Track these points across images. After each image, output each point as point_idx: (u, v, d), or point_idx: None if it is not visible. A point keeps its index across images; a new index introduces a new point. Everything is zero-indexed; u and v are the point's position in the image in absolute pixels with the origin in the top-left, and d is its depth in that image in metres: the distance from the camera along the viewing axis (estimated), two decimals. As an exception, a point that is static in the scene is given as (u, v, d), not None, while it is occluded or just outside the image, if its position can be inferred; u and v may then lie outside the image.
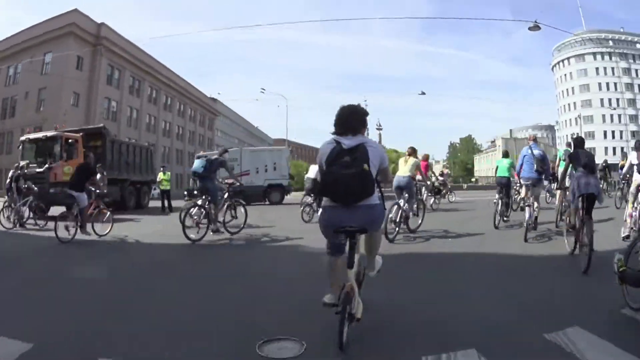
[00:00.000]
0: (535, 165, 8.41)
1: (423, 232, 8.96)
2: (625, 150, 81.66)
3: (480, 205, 14.88)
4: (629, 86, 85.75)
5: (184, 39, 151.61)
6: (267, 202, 21.91)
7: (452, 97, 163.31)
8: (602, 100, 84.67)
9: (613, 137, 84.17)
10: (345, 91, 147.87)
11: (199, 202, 8.77)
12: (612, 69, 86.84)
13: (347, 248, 3.25)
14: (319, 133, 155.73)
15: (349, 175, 3.11)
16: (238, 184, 9.96)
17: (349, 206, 3.19)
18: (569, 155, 6.67)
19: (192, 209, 8.57)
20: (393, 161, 18.60)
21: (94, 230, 9.20)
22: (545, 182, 10.86)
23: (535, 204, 8.39)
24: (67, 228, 8.60)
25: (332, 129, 3.49)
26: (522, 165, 8.71)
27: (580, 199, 5.86)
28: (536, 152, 8.54)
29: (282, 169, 22.87)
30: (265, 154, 24.14)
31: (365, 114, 3.52)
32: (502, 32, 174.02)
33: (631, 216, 7.10)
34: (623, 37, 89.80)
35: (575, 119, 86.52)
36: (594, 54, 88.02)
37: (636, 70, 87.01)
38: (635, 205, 7.11)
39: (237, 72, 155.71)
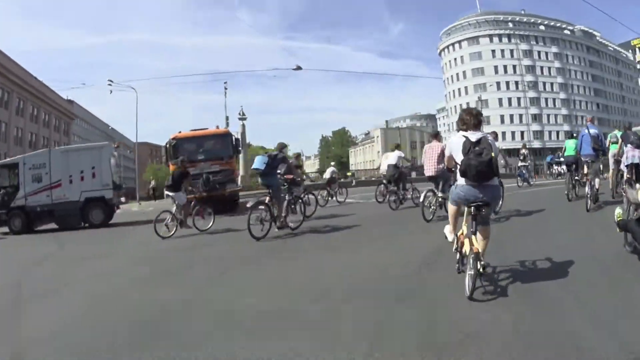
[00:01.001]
0: (592, 144, 9.87)
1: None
2: (525, 133, 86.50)
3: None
4: (530, 68, 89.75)
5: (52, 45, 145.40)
6: (86, 225, 16.16)
7: (324, 91, 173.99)
8: (498, 83, 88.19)
9: (512, 121, 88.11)
10: (214, 91, 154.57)
11: (266, 199, 9.11)
12: (512, 51, 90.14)
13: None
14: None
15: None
16: (298, 179, 10.78)
17: (480, 184, 4.43)
18: (621, 135, 9.94)
19: (257, 207, 8.90)
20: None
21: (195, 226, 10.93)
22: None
23: (596, 179, 9.92)
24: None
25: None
26: (581, 144, 10.22)
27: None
28: (592, 131, 10.00)
29: (105, 175, 16.45)
30: (81, 155, 16.98)
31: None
32: (376, 24, 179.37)
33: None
34: (525, 19, 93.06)
35: (467, 104, 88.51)
36: (491, 36, 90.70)
37: (539, 52, 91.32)
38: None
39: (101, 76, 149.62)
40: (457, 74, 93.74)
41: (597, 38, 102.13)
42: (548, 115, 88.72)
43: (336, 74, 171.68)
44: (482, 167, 4.32)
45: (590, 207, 9.52)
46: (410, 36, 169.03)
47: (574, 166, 11.46)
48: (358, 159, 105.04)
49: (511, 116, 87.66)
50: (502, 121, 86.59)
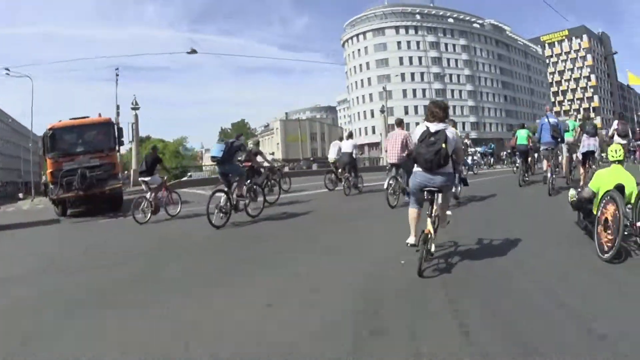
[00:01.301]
0: (551, 132, 10.64)
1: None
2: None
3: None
4: (437, 60, 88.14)
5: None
6: None
7: (224, 83, 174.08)
8: (403, 75, 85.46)
9: (416, 112, 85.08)
10: (117, 82, 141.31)
11: (223, 187, 9.04)
12: (418, 43, 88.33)
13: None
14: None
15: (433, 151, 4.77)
16: (256, 166, 11.06)
17: (431, 172, 4.84)
18: (579, 125, 11.76)
19: (216, 195, 8.73)
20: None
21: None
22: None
23: (548, 165, 10.83)
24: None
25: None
26: (541, 132, 10.97)
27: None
28: (552, 120, 10.82)
29: None
30: None
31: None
32: (280, 17, 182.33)
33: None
34: (433, 12, 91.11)
35: (370, 95, 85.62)
36: (397, 27, 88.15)
37: (446, 45, 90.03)
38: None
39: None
40: (361, 65, 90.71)
41: (507, 32, 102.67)
42: (454, 107, 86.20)
43: (237, 66, 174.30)
44: (429, 155, 4.68)
45: (552, 191, 10.29)
46: (314, 29, 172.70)
47: (523, 155, 13.54)
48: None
49: (415, 107, 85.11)
50: (407, 112, 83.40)
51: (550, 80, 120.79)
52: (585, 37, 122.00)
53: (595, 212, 5.37)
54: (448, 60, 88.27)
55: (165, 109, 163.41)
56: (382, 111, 45.22)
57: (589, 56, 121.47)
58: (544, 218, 7.80)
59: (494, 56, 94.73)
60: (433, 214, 4.85)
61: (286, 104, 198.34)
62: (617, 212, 4.79)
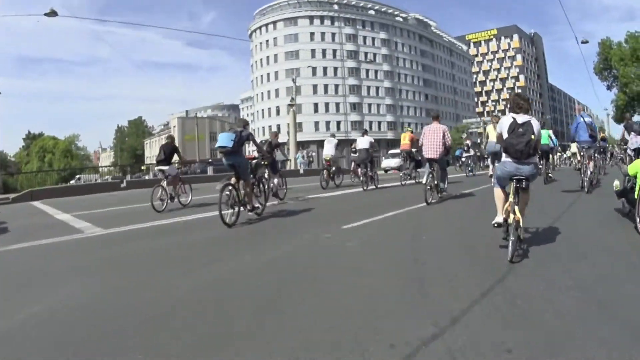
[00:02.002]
0: (588, 130, 10.79)
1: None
2: (342, 123, 78.46)
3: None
4: (353, 54, 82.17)
5: None
6: None
7: (125, 79, 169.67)
8: (314, 69, 78.94)
9: (327, 110, 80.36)
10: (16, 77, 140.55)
11: (232, 181, 8.48)
12: (334, 34, 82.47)
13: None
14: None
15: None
16: (261, 155, 10.14)
17: (520, 161, 5.07)
18: (624, 125, 13.50)
19: (225, 190, 8.17)
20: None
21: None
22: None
23: (591, 163, 11.03)
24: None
25: None
26: (577, 131, 11.02)
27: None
28: (587, 120, 10.98)
29: None
30: None
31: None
32: (189, 12, 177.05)
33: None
34: (354, 2, 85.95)
35: (276, 90, 79.09)
36: (311, 17, 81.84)
37: (364, 37, 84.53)
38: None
39: None
40: (268, 58, 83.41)
41: (433, 28, 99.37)
42: (370, 105, 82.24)
43: (140, 61, 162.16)
44: (520, 146, 4.94)
45: (589, 188, 10.63)
46: (221, 25, 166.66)
47: (545, 155, 14.01)
48: (154, 151, 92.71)
49: (327, 105, 79.38)
50: (316, 110, 78.73)
51: (474, 80, 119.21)
52: (516, 36, 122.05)
53: (636, 197, 6.01)
54: (366, 54, 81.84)
55: (65, 105, 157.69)
56: (290, 105, 40.02)
57: (518, 56, 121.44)
58: (587, 207, 8.73)
59: (416, 52, 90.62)
60: (520, 202, 5.11)
61: (190, 102, 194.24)
62: None
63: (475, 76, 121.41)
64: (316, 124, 77.87)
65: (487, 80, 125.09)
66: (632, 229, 5.98)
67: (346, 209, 10.24)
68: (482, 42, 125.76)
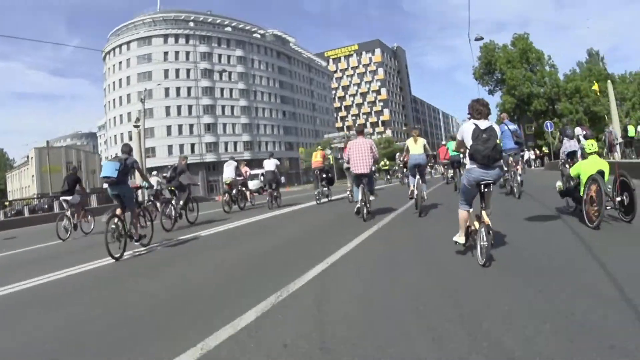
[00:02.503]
0: (513, 137, 11.45)
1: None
2: (197, 146, 78.89)
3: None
4: (208, 73, 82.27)
5: None
6: None
7: None
8: (167, 90, 78.45)
9: (180, 132, 79.51)
10: None
11: (117, 212, 8.29)
12: (188, 53, 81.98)
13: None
14: None
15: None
16: (148, 185, 10.09)
17: (488, 167, 5.21)
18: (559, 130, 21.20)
19: (111, 222, 8.02)
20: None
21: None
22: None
23: (519, 167, 11.61)
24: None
25: None
26: (502, 139, 11.28)
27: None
28: (511, 127, 11.65)
29: None
30: None
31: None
32: (54, 40, 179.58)
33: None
34: (210, 19, 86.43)
35: (128, 114, 77.78)
36: (166, 36, 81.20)
37: (220, 55, 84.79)
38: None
39: None
40: (120, 80, 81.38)
41: (291, 44, 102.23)
42: (225, 125, 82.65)
43: (7, 92, 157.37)
44: (487, 151, 5.08)
45: (519, 193, 11.22)
46: (82, 52, 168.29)
47: (456, 165, 15.90)
48: (15, 185, 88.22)
49: (180, 127, 78.82)
50: (169, 133, 77.89)
51: (333, 96, 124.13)
52: (378, 51, 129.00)
53: (582, 194, 6.99)
54: (221, 73, 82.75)
55: None
56: (135, 125, 39.94)
57: (380, 70, 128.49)
58: (530, 210, 8.84)
59: (273, 69, 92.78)
60: (487, 206, 5.33)
61: (52, 132, 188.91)
62: (599, 190, 6.48)
63: (334, 92, 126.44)
64: (169, 147, 77.02)
65: (347, 96, 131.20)
66: (577, 222, 6.93)
67: (265, 247, 7.98)
68: (342, 58, 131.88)
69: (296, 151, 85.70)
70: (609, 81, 31.88)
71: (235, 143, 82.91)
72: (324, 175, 16.18)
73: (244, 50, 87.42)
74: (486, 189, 5.26)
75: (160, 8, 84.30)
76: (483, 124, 5.24)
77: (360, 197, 9.90)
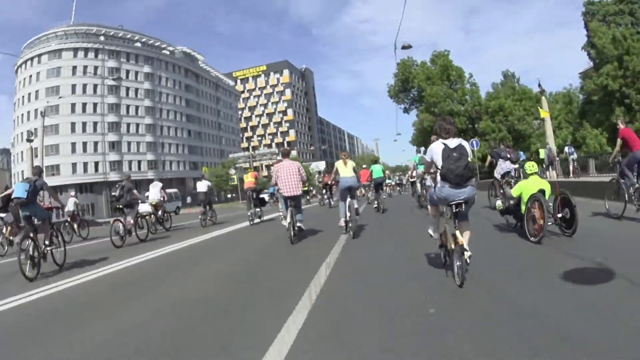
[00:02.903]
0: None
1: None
2: (101, 164, 79.66)
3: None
4: (114, 89, 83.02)
5: None
6: None
7: None
8: (73, 105, 79.43)
9: (85, 150, 79.82)
10: None
11: (30, 233, 8.37)
12: (96, 68, 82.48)
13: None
14: None
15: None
16: (60, 206, 10.79)
17: (460, 186, 5.21)
18: (490, 152, 15.11)
19: (24, 242, 8.07)
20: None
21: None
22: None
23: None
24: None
25: None
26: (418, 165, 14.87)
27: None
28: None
29: None
30: None
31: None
32: None
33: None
34: (121, 34, 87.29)
35: (34, 130, 77.45)
36: (76, 49, 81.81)
37: (127, 71, 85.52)
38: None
39: None
40: (30, 94, 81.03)
41: (200, 62, 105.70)
42: (129, 143, 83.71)
43: None
44: (459, 170, 5.08)
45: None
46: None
47: (379, 186, 17.47)
48: None
49: (84, 144, 79.25)
50: (74, 150, 78.39)
51: (239, 116, 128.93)
52: (286, 72, 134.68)
53: (523, 212, 7.71)
54: (127, 89, 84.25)
55: None
56: (29, 140, 37.29)
57: (287, 90, 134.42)
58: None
59: (180, 87, 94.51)
60: (459, 226, 5.30)
61: None
62: (541, 208, 7.11)
63: (241, 112, 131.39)
64: (74, 165, 77.43)
65: (253, 116, 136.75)
66: (516, 237, 7.84)
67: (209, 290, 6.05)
68: (250, 78, 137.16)
69: (200, 171, 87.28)
70: (542, 97, 31.61)
71: (139, 162, 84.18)
72: (256, 196, 16.70)
73: (152, 67, 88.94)
74: (458, 209, 5.19)
75: (74, 21, 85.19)
76: (452, 143, 5.20)
77: (288, 220, 9.85)
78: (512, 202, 8.48)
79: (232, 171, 64.01)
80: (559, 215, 7.57)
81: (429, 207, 6.38)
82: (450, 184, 5.20)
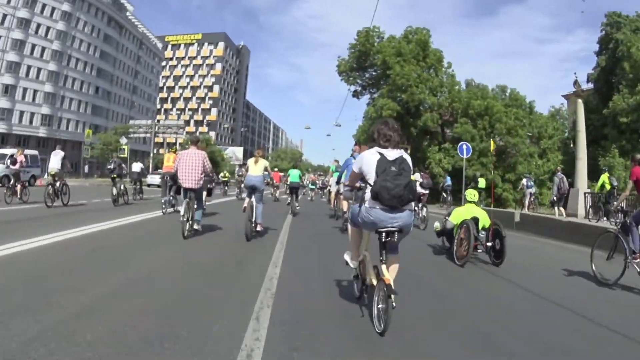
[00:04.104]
0: None
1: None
2: None
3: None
4: (24, 22, 71.72)
5: None
6: None
7: None
8: None
9: None
10: None
11: None
12: None
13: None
14: None
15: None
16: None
17: (395, 209, 4.29)
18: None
19: None
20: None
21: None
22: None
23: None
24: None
25: None
26: (345, 172, 10.71)
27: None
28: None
29: None
30: None
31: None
32: None
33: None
34: None
35: None
36: None
37: (43, 5, 74.58)
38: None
39: None
40: None
41: (128, 13, 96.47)
42: (25, 90, 72.41)
43: None
44: (398, 190, 4.16)
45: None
46: None
47: (294, 191, 18.68)
48: None
49: None
50: None
51: (162, 85, 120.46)
52: (221, 44, 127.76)
53: (454, 235, 8.58)
54: (38, 26, 73.26)
55: None
56: None
57: (218, 65, 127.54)
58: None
59: (99, 35, 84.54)
60: (387, 259, 4.40)
61: None
62: (469, 235, 7.96)
63: (164, 80, 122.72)
64: None
65: (177, 87, 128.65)
66: (444, 259, 8.76)
67: None
68: (182, 45, 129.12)
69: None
70: (579, 100, 21.85)
71: (32, 114, 73.46)
72: (174, 183, 14.41)
73: (72, 6, 78.01)
74: (389, 239, 4.31)
75: None
76: (391, 154, 4.32)
77: (182, 213, 9.35)
78: (448, 226, 9.05)
79: (124, 140, 55.18)
80: (489, 244, 8.32)
81: (349, 228, 5.12)
82: (382, 205, 4.23)
